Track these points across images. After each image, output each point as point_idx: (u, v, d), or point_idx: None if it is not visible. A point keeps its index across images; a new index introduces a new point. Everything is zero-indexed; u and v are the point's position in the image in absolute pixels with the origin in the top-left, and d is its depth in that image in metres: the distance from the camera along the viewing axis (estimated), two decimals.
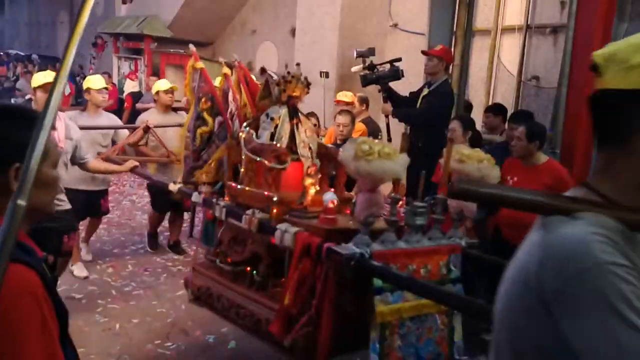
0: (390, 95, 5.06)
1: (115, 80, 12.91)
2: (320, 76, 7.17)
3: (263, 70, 9.79)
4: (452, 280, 2.78)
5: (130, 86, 11.90)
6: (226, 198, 3.08)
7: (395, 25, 7.79)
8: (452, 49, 5.31)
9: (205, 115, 3.53)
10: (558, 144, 4.97)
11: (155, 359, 3.45)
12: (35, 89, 4.56)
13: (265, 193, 2.82)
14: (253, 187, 2.93)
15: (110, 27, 13.67)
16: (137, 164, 4.24)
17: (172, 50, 11.41)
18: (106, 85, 5.02)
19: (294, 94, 3.13)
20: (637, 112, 0.89)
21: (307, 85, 3.20)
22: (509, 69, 6.40)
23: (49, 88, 5.02)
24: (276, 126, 3.03)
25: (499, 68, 6.51)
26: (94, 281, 4.55)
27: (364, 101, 6.18)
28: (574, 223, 0.94)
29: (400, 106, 5.08)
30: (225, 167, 3.23)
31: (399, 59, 5.01)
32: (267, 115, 3.10)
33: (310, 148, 3.09)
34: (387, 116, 5.08)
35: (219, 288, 3.11)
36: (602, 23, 4.37)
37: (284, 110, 3.08)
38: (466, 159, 2.92)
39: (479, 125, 5.11)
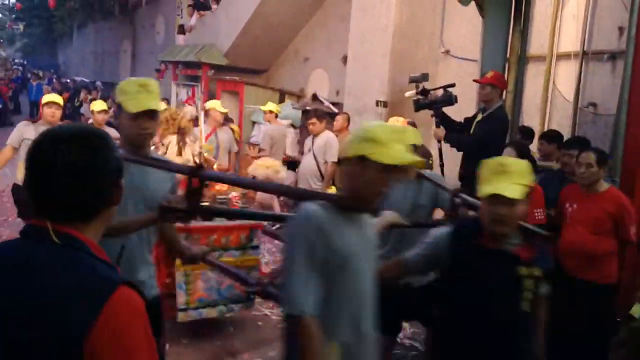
0: (443, 121, 5.04)
1: (173, 106, 13.37)
2: (377, 105, 7.24)
3: (315, 97, 9.95)
4: (252, 247, 4.13)
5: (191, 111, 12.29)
6: None
7: (447, 51, 7.79)
8: (506, 76, 5.26)
9: None
10: (617, 171, 4.81)
11: None
12: (93, 112, 5.79)
13: None
14: None
15: (170, 55, 14.25)
16: None
17: (227, 77, 11.75)
18: (105, 108, 5.88)
19: (182, 125, 4.99)
20: None
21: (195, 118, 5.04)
22: (564, 96, 6.26)
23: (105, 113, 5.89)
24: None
25: (554, 95, 6.38)
26: None
27: (413, 126, 6.19)
28: (312, 203, 1.84)
29: (453, 131, 5.05)
30: None
31: (453, 85, 5.00)
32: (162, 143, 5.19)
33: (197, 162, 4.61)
34: (439, 141, 5.05)
35: None
36: None
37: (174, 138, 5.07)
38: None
39: (534, 152, 5.02)
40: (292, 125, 9.81)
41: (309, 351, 1.70)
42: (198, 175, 2.03)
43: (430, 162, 6.12)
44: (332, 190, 5.77)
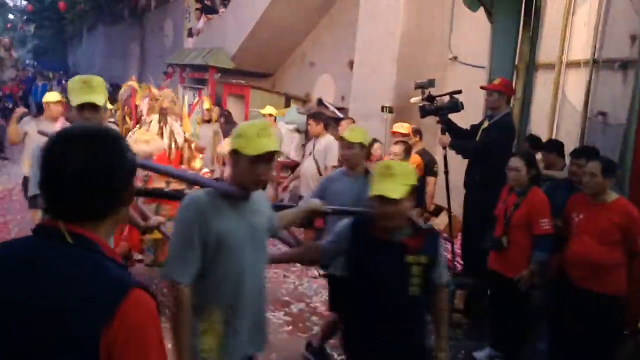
0: (449, 127, 4.97)
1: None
2: (383, 110, 7.16)
3: (320, 102, 9.89)
4: None
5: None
6: None
7: (455, 58, 7.71)
8: (514, 83, 5.17)
9: (127, 118, 5.32)
10: (627, 181, 4.71)
11: None
12: (48, 103, 5.72)
13: None
14: None
15: (178, 58, 14.27)
16: None
17: (233, 80, 11.73)
18: (59, 99, 5.70)
19: (163, 105, 5.03)
20: None
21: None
22: (574, 104, 6.16)
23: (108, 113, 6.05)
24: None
25: (563, 103, 6.28)
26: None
27: (418, 132, 6.13)
28: (202, 190, 2.19)
29: (459, 138, 4.98)
30: None
31: (459, 91, 4.93)
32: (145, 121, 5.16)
33: (175, 141, 5.06)
34: (444, 148, 4.97)
35: None
36: None
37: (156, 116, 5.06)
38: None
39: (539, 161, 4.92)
40: (297, 130, 9.75)
41: (179, 315, 2.06)
42: (143, 165, 2.75)
43: (435, 169, 6.08)
44: None
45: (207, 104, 7.62)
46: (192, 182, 2.47)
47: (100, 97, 2.79)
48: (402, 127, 6.17)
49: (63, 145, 1.18)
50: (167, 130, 5.05)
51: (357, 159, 3.62)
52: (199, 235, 2.06)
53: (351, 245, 2.48)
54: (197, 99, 12.93)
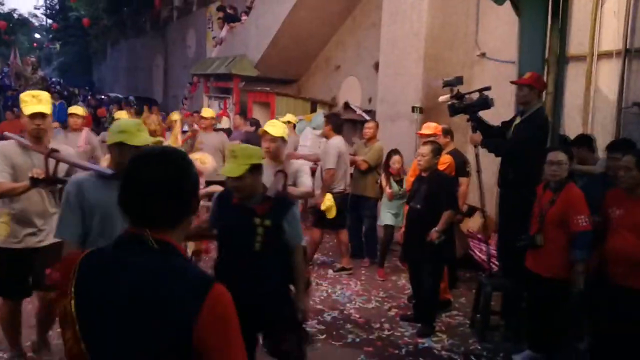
0: (479, 125, 4.88)
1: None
2: (413, 111, 7.10)
3: (347, 105, 9.86)
4: None
5: (225, 123, 12.36)
6: None
7: (483, 54, 7.60)
8: (545, 77, 5.07)
9: None
10: None
11: None
12: (72, 114, 6.30)
13: None
14: None
15: (202, 68, 14.41)
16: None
17: (258, 88, 11.78)
18: (83, 113, 6.56)
19: (150, 129, 5.45)
20: None
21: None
22: (607, 96, 6.02)
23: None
24: None
25: (596, 95, 6.14)
26: None
27: (448, 133, 6.03)
28: (85, 173, 2.86)
29: (491, 136, 4.89)
30: None
31: (488, 88, 4.85)
32: None
33: None
34: (475, 146, 4.89)
35: None
36: None
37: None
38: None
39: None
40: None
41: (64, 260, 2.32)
42: (54, 156, 3.20)
43: (468, 169, 5.99)
44: (328, 196, 6.06)
45: (208, 113, 7.73)
46: (87, 168, 3.01)
47: (47, 108, 3.38)
48: (428, 129, 6.10)
49: (145, 165, 1.43)
50: None
51: (278, 151, 4.30)
52: (78, 205, 2.67)
53: (217, 209, 3.16)
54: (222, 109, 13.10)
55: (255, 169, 2.94)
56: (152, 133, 5.76)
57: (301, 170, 4.54)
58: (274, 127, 4.33)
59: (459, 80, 5.01)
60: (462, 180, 5.90)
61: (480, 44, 7.67)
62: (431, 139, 5.92)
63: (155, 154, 1.49)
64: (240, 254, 2.99)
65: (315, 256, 6.68)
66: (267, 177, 3.63)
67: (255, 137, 7.81)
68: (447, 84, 5.01)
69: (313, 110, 11.22)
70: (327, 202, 6.09)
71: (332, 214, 6.12)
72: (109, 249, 1.45)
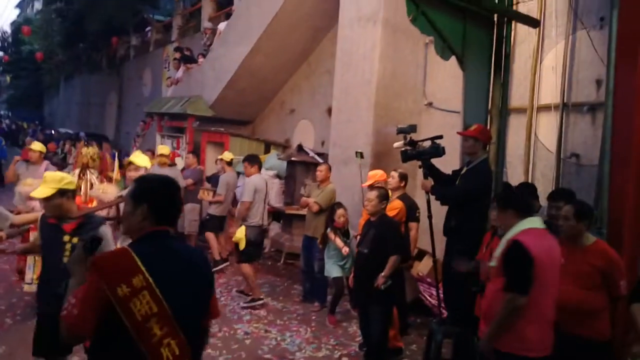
0: (431, 172, 5.03)
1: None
2: (356, 156, 7.23)
3: (300, 148, 9.96)
4: None
5: (179, 163, 12.21)
6: None
7: (430, 104, 7.89)
8: (488, 127, 5.29)
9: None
10: (604, 222, 4.79)
11: None
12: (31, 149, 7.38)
13: None
14: None
15: (156, 106, 14.30)
16: None
17: (212, 128, 11.77)
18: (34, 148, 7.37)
19: (83, 162, 6.10)
20: None
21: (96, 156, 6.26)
22: (547, 147, 6.32)
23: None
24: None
25: (537, 146, 6.44)
26: None
27: (403, 178, 6.16)
28: None
29: (442, 182, 5.03)
30: None
31: (440, 136, 5.00)
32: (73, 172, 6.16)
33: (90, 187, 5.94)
34: (427, 192, 5.02)
35: None
36: None
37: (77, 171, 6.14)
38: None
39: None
40: (278, 176, 9.78)
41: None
42: None
43: (418, 214, 6.12)
44: (241, 228, 6.62)
45: (164, 150, 8.76)
46: None
47: None
48: (372, 178, 6.27)
49: (172, 186, 2.30)
50: (86, 180, 6.09)
51: None
52: None
53: (39, 227, 3.68)
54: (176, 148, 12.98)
55: (64, 193, 3.54)
56: (85, 166, 6.17)
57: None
58: (139, 158, 5.57)
59: (412, 128, 5.17)
60: (412, 225, 6.01)
61: (428, 94, 7.97)
62: (380, 183, 6.06)
63: (156, 178, 2.41)
64: (51, 267, 3.51)
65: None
66: None
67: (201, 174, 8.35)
68: (400, 131, 5.15)
69: (267, 151, 11.28)
70: (239, 233, 6.58)
71: (242, 246, 6.55)
72: (152, 242, 2.14)
